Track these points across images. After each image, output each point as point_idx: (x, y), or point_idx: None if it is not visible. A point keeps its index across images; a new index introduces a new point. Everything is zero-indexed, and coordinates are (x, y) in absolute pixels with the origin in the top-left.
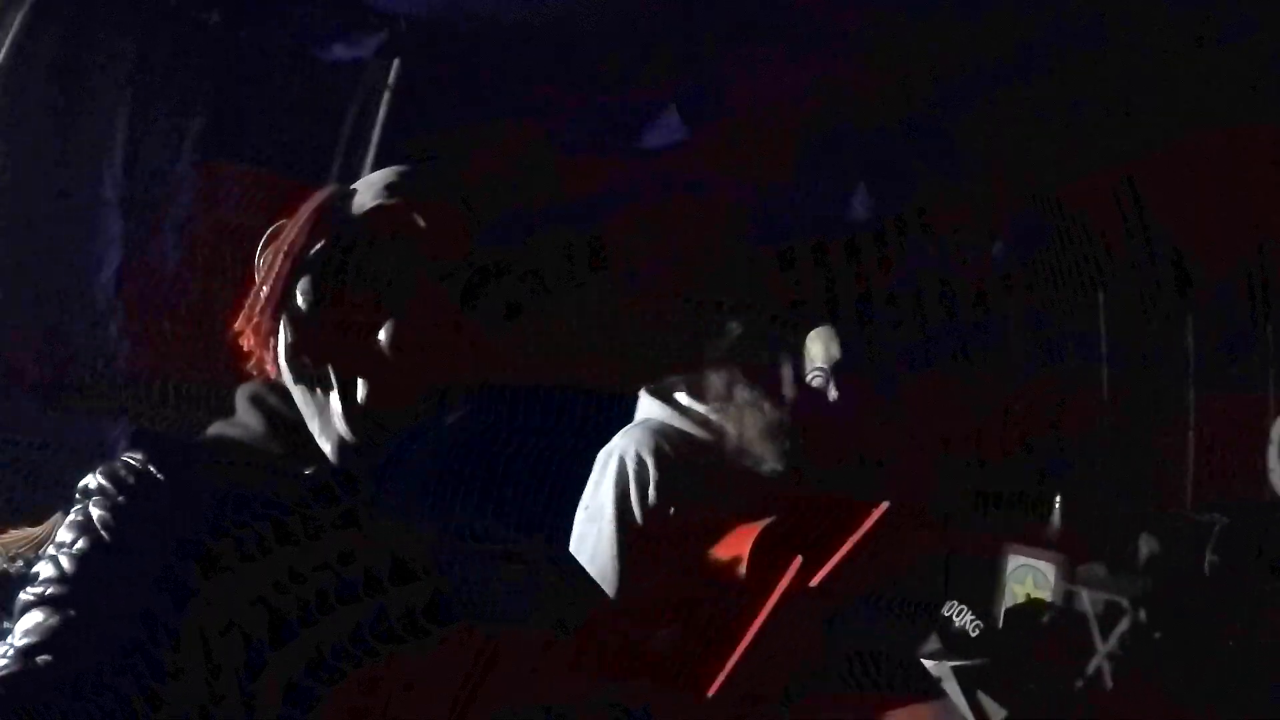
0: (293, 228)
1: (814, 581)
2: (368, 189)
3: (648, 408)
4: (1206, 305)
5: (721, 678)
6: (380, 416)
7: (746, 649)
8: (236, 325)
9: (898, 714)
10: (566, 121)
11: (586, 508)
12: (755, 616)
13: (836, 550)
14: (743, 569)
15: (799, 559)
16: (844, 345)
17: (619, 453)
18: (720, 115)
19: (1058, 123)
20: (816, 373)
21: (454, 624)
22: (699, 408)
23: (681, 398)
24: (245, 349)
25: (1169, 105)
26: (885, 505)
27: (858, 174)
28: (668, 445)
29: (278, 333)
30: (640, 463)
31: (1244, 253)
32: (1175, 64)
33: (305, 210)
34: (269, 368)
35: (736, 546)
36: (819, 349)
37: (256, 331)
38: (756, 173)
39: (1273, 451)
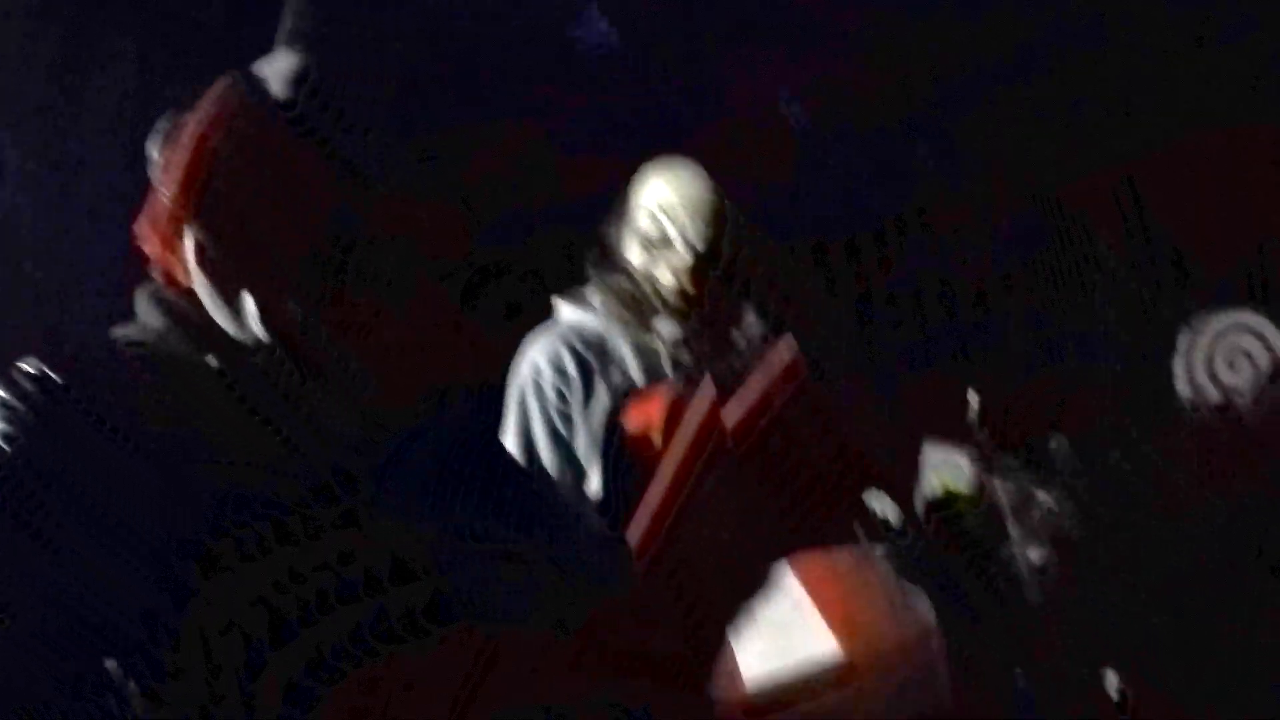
0: (193, 122)
1: (730, 423)
2: (276, 77)
3: (559, 311)
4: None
5: (642, 529)
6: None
7: (667, 496)
8: (136, 229)
9: (815, 558)
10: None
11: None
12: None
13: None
14: (658, 439)
15: (709, 391)
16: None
17: (520, 358)
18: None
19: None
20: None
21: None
22: (607, 305)
23: (592, 297)
24: (147, 254)
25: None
26: (792, 343)
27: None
28: (565, 349)
29: (183, 236)
30: (536, 369)
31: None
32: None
33: (206, 103)
34: (178, 274)
35: (647, 415)
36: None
37: (162, 237)
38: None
39: (1177, 361)
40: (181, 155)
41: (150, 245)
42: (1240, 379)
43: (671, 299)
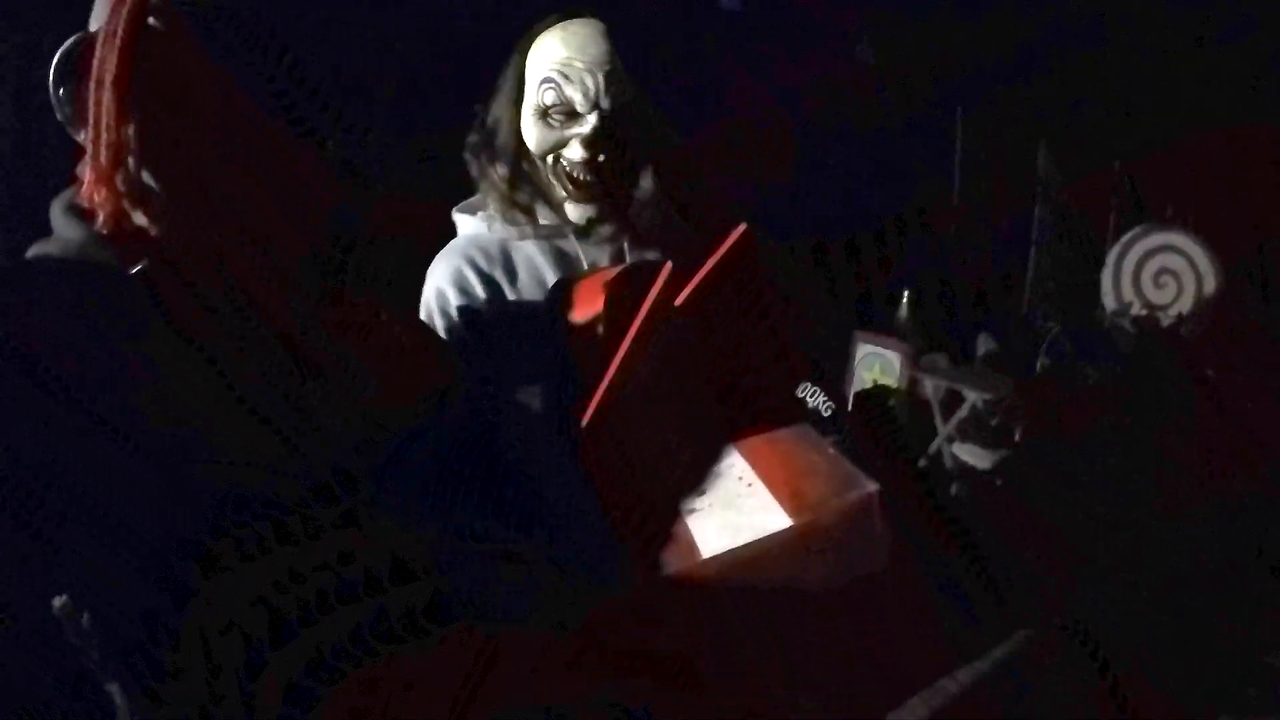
0: (108, 49)
1: (679, 300)
2: None
3: (458, 225)
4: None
5: (595, 403)
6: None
7: (616, 372)
8: (85, 192)
9: (761, 440)
10: None
11: None
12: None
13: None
14: (600, 327)
15: (669, 265)
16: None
17: (426, 285)
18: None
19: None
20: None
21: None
22: (498, 208)
23: (485, 201)
24: (104, 211)
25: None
26: (744, 227)
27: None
28: (467, 267)
29: (133, 172)
30: (441, 296)
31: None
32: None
33: (118, 24)
34: (145, 223)
35: (589, 303)
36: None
37: (110, 189)
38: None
39: (1106, 275)
40: (103, 93)
41: (105, 201)
42: (1164, 296)
43: (581, 174)
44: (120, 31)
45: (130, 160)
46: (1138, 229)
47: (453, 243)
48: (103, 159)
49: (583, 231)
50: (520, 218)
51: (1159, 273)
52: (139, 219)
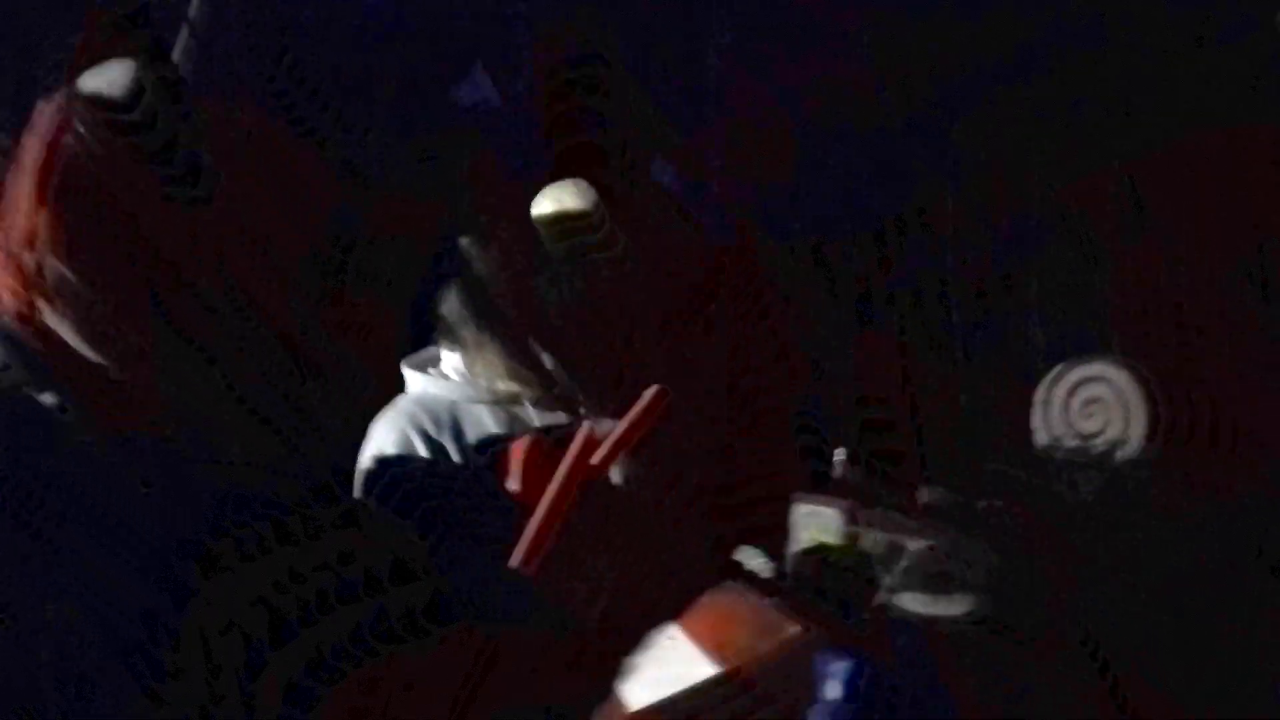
0: (31, 148)
1: (594, 459)
2: (111, 87)
3: (407, 380)
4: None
5: (524, 549)
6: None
7: (545, 526)
8: None
9: (695, 614)
10: None
11: None
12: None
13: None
14: (516, 485)
15: (586, 426)
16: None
17: (366, 445)
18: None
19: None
20: None
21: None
22: (460, 368)
23: (445, 362)
24: (5, 296)
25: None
26: (658, 388)
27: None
28: (415, 433)
29: (41, 267)
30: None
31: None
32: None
33: (40, 127)
34: (38, 310)
35: (503, 466)
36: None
37: (16, 275)
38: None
39: (1036, 412)
40: (26, 186)
41: (3, 283)
42: (1094, 425)
43: None
44: (44, 131)
45: (39, 247)
46: (1060, 366)
47: (399, 401)
48: (12, 243)
49: (541, 401)
50: (524, 386)
51: (1088, 403)
52: (43, 307)
